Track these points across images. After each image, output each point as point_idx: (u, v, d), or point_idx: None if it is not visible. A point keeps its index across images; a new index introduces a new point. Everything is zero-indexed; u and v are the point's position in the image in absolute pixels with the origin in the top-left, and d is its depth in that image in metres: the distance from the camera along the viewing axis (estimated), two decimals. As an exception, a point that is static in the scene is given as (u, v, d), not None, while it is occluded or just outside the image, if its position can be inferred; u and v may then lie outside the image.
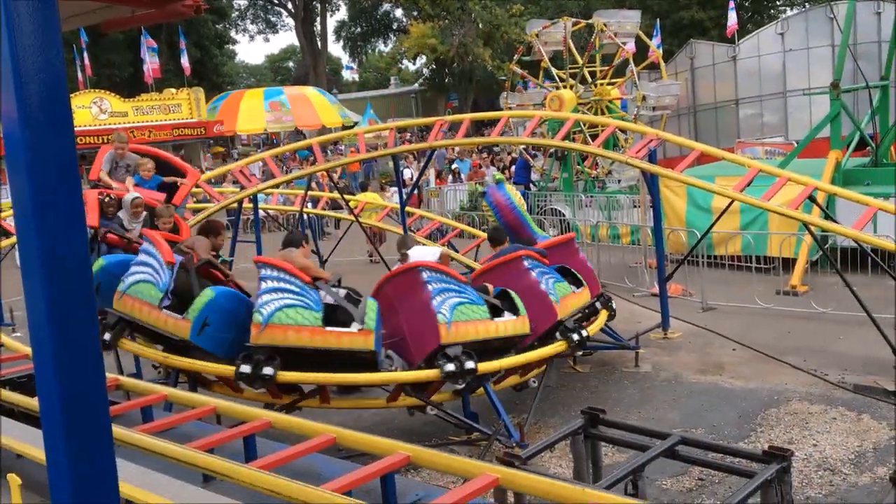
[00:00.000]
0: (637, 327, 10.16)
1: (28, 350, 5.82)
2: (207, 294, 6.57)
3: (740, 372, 8.78)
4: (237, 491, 3.18)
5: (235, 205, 11.97)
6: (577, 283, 8.24)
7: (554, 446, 5.44)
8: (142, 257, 6.90)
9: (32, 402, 4.32)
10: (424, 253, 8.12)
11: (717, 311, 11.24)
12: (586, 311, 8.43)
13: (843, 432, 7.02)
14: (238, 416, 4.32)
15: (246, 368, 6.29)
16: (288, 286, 6.39)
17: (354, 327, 6.43)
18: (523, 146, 19.52)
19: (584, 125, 18.24)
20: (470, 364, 6.60)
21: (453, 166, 23.37)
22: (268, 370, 6.32)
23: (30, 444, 3.51)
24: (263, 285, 6.37)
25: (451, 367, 6.55)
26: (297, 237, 7.67)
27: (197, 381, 6.97)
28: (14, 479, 1.96)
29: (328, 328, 6.37)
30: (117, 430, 3.75)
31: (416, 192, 18.36)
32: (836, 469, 6.34)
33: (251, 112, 35.01)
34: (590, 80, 19.40)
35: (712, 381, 8.61)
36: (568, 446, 5.21)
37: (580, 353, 8.99)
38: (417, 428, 7.64)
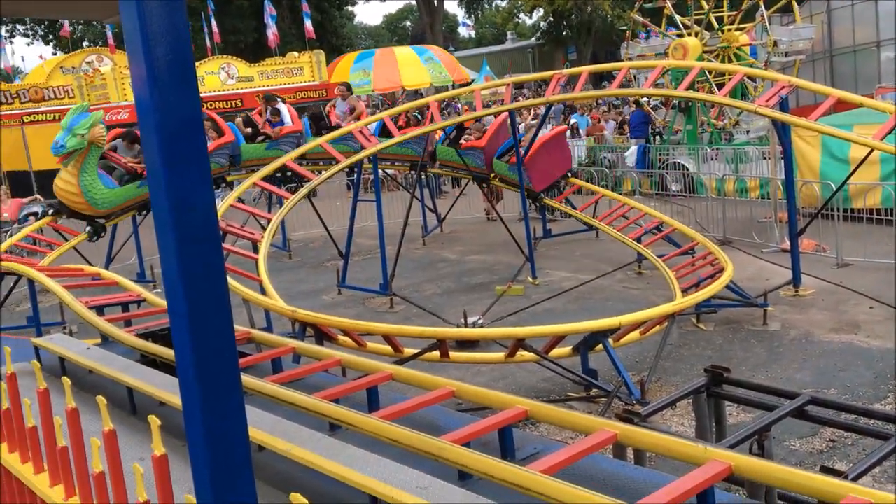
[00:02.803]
0: (765, 284, 9.77)
1: (166, 305, 6.19)
2: None
3: (877, 331, 8.31)
4: (360, 439, 3.29)
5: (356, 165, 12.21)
6: None
7: (675, 404, 5.35)
8: None
9: (171, 353, 4.60)
10: None
11: (852, 268, 10.66)
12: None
13: None
14: (361, 368, 4.45)
15: None
16: None
17: None
18: (643, 98, 18.94)
19: (710, 74, 17.50)
20: None
21: (571, 122, 22.96)
22: None
23: (170, 391, 3.76)
24: None
25: None
26: None
27: (323, 335, 7.23)
28: (154, 420, 2.10)
29: None
30: (249, 380, 3.95)
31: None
32: None
33: (412, 68, 35.32)
34: (716, 25, 18.54)
35: (846, 340, 8.20)
36: (690, 405, 5.11)
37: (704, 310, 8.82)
38: (535, 384, 7.67)
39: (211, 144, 13.19)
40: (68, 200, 11.39)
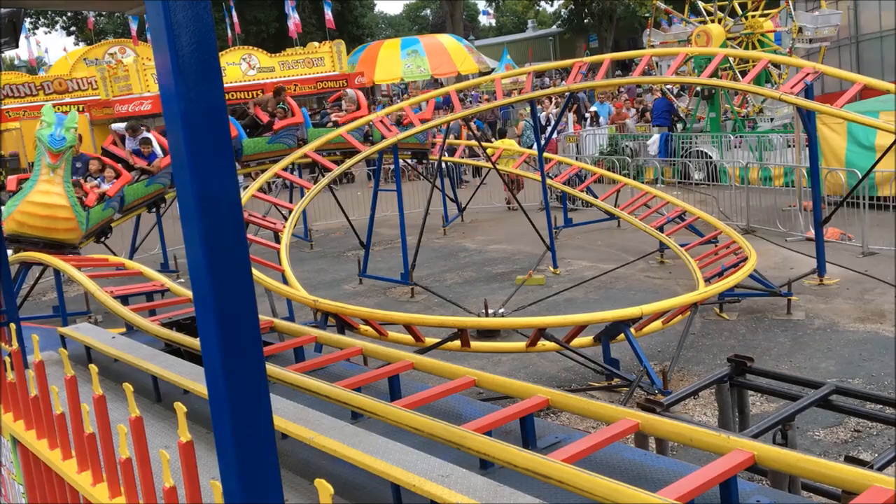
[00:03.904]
0: (789, 273, 9.68)
1: (190, 294, 6.25)
2: None
3: (904, 321, 8.23)
4: (382, 427, 3.31)
5: (376, 155, 12.24)
6: None
7: (698, 394, 5.33)
8: None
9: (196, 342, 4.65)
10: None
11: (878, 256, 10.53)
12: None
13: None
14: (383, 357, 4.47)
15: None
16: None
17: None
18: (665, 86, 18.79)
19: (734, 61, 17.32)
20: None
21: (591, 110, 22.83)
22: None
23: (194, 380, 3.80)
24: None
25: None
26: None
27: (344, 325, 7.27)
28: (180, 407, 2.13)
29: None
30: (272, 369, 3.98)
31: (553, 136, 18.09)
32: None
33: (388, 62, 35.26)
34: (740, 12, 18.34)
35: (872, 329, 8.11)
36: (713, 395, 5.09)
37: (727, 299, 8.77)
38: (556, 373, 7.66)
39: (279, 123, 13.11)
40: (49, 220, 9.18)
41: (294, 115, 13.68)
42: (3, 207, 8.94)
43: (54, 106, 24.73)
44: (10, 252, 9.04)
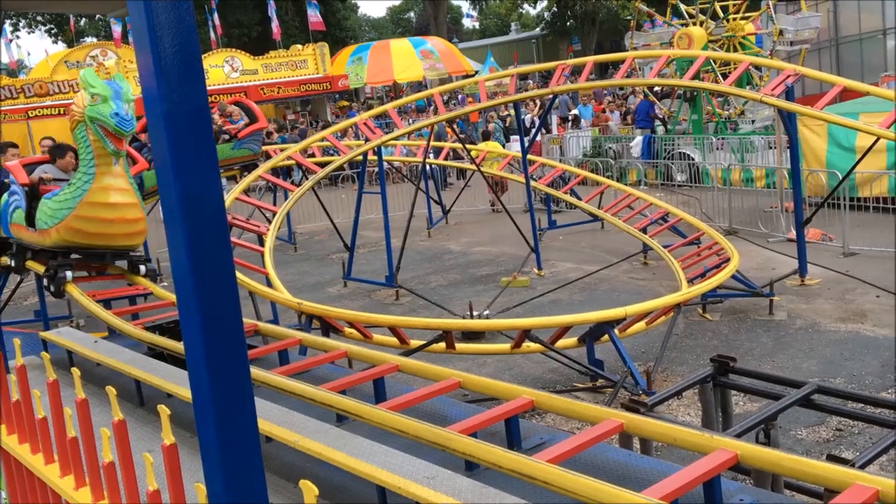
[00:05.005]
0: (771, 274, 9.75)
1: (173, 297, 6.20)
2: None
3: (884, 320, 8.30)
4: (367, 429, 3.31)
5: (360, 157, 12.22)
6: None
7: (681, 394, 5.36)
8: (14, 188, 7.56)
9: (179, 346, 4.62)
10: None
11: (859, 257, 10.63)
12: None
13: None
14: (368, 359, 4.47)
15: None
16: None
17: None
18: (648, 89, 18.90)
19: (715, 63, 17.47)
20: None
21: (571, 112, 22.93)
22: None
23: (177, 383, 3.78)
24: None
25: None
26: None
27: (329, 327, 7.25)
28: (164, 410, 2.12)
29: None
30: (256, 372, 3.97)
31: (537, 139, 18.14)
32: None
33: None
34: (721, 15, 18.49)
35: (853, 329, 8.19)
36: (696, 395, 5.12)
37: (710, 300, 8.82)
38: (541, 375, 7.68)
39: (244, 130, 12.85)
40: (120, 225, 6.93)
41: None
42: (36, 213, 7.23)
43: (34, 110, 24.29)
44: (69, 273, 7.12)
